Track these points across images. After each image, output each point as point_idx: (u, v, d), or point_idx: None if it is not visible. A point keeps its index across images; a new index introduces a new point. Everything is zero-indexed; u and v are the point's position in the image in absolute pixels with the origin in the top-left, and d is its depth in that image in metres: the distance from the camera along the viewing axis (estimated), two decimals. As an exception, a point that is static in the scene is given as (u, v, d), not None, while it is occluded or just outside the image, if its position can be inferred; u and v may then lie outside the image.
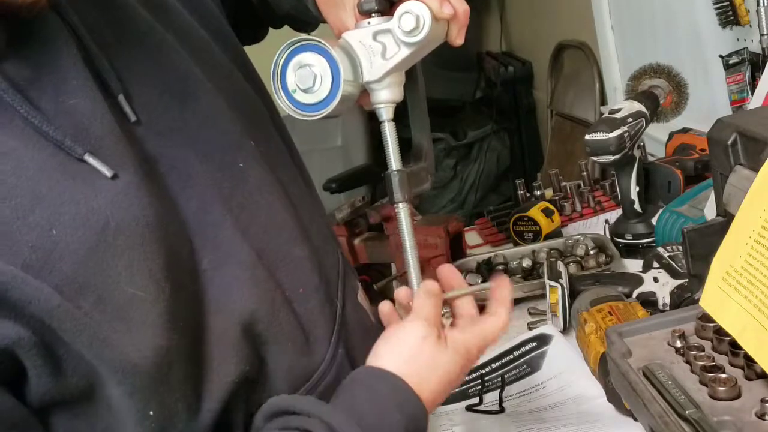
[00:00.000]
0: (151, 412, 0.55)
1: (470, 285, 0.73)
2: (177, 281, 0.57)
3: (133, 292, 0.53)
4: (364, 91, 0.67)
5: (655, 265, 1.16)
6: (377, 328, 0.73)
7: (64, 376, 0.52)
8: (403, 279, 1.45)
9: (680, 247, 1.13)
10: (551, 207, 1.50)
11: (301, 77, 0.63)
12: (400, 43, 0.64)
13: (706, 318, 0.78)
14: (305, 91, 0.63)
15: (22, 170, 0.51)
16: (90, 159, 0.53)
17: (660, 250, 1.18)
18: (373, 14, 0.65)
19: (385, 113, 0.67)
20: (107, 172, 0.53)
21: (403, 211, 0.66)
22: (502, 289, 0.70)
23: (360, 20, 0.66)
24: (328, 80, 0.63)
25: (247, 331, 0.62)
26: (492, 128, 3.48)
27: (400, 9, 0.63)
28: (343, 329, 0.74)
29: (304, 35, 0.64)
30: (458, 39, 0.69)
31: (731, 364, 0.73)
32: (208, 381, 0.59)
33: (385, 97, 0.67)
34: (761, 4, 1.38)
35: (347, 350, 0.74)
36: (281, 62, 0.64)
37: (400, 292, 0.69)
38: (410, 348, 0.62)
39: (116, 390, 0.54)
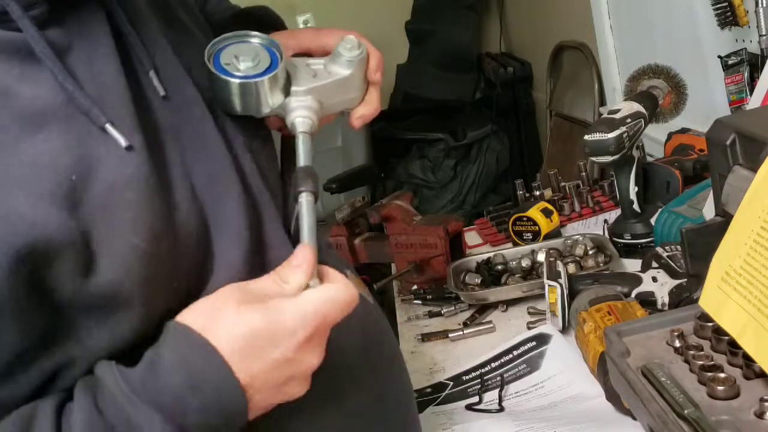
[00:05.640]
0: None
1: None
2: (178, 240, 0.60)
3: (136, 243, 0.56)
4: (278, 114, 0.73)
5: (654, 264, 1.16)
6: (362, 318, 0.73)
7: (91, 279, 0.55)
8: (403, 278, 1.46)
9: (679, 247, 1.13)
10: (550, 207, 1.50)
11: (242, 50, 0.70)
12: (332, 66, 0.75)
13: (704, 317, 0.78)
14: (238, 62, 0.69)
15: (58, 121, 0.56)
16: (110, 128, 0.57)
17: (659, 249, 1.18)
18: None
19: (301, 125, 0.72)
20: (123, 142, 0.58)
21: (305, 201, 0.66)
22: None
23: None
24: (265, 64, 0.69)
25: None
26: (491, 129, 3.47)
27: (346, 36, 0.76)
28: None
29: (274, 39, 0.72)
30: (356, 120, 0.78)
31: (730, 364, 0.73)
32: None
33: (303, 112, 0.72)
34: (760, 4, 1.38)
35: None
36: (232, 38, 0.71)
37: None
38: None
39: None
